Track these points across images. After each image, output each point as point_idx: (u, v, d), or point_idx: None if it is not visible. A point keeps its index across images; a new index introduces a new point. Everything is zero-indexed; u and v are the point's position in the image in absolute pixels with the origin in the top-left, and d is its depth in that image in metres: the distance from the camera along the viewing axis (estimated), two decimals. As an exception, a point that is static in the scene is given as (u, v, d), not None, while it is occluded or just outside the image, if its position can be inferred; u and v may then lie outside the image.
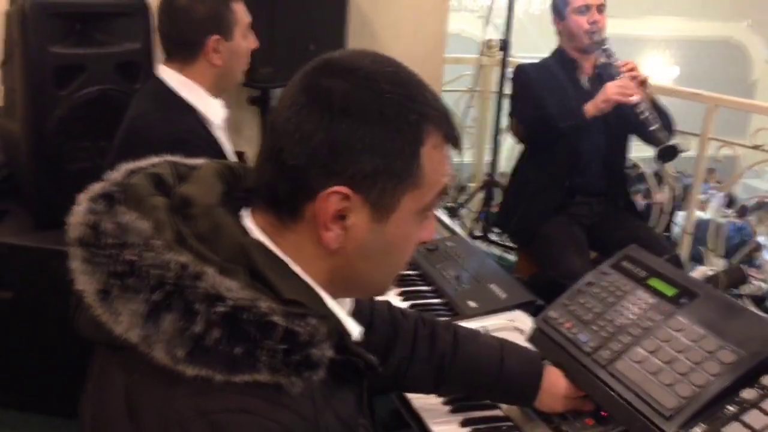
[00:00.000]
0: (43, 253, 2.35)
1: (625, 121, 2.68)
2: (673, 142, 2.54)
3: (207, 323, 0.74)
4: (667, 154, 2.57)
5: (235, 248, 0.80)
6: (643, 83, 2.62)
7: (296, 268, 0.85)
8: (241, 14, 1.90)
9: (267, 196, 0.85)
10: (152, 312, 0.75)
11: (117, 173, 0.87)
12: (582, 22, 2.70)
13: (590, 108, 2.61)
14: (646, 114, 2.56)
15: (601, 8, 2.72)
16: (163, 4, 1.88)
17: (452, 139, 0.87)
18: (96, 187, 0.85)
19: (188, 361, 0.73)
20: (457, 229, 2.43)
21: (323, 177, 0.80)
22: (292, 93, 0.83)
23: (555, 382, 1.37)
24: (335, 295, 0.90)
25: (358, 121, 0.79)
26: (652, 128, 2.55)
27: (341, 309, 0.91)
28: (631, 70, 2.64)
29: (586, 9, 2.70)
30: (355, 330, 0.91)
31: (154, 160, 0.92)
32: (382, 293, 0.98)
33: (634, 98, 2.56)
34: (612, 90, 2.57)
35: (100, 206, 0.81)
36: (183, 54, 1.87)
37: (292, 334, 0.76)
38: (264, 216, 0.86)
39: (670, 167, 3.68)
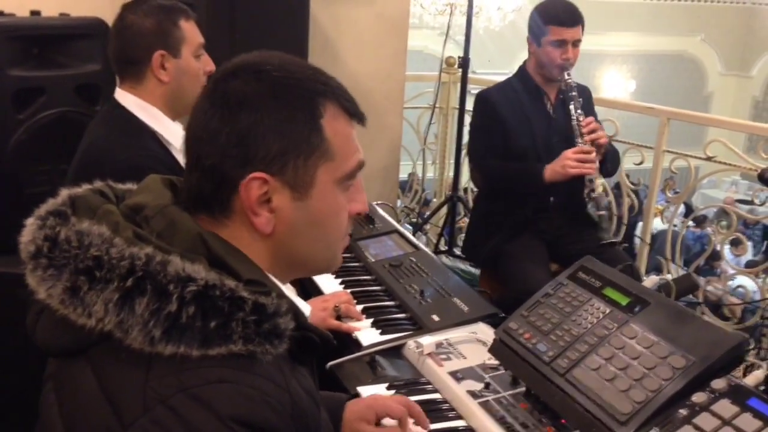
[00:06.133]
0: (3, 278, 2.32)
1: None
2: (614, 239, 2.65)
3: (181, 302, 0.78)
4: (607, 247, 2.67)
5: (193, 239, 0.85)
6: (601, 146, 2.67)
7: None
8: (191, 33, 1.90)
9: (197, 201, 0.90)
10: (125, 298, 0.78)
11: (59, 198, 0.90)
12: (555, 56, 2.71)
13: (548, 174, 2.66)
14: (597, 192, 2.63)
15: (576, 43, 2.73)
16: (112, 27, 1.90)
17: (350, 109, 0.94)
18: (42, 208, 0.88)
19: (165, 340, 0.77)
20: (422, 244, 2.45)
21: (238, 168, 0.86)
22: (198, 106, 0.90)
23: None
24: (282, 280, 0.96)
25: (255, 110, 0.87)
26: (599, 213, 2.63)
27: (290, 292, 0.97)
28: (592, 131, 2.66)
29: (561, 44, 2.70)
30: (306, 309, 0.96)
31: (97, 184, 0.96)
32: (329, 269, 1.03)
33: (589, 174, 2.62)
34: (570, 163, 2.61)
35: (52, 222, 0.84)
36: (132, 72, 1.88)
37: (260, 306, 0.82)
38: (200, 219, 0.90)
39: (627, 179, 3.76)
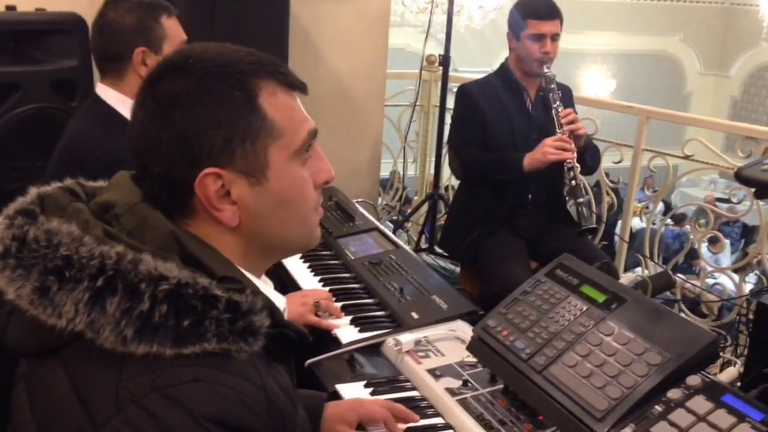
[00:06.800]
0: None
1: None
2: (592, 225, 2.64)
3: (153, 301, 0.77)
4: (586, 233, 2.69)
5: (166, 236, 0.84)
6: (579, 137, 2.68)
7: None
8: (173, 30, 1.90)
9: (157, 208, 0.88)
10: (96, 298, 0.77)
11: (27, 196, 0.88)
12: (534, 49, 2.73)
13: (527, 162, 2.67)
14: (576, 181, 2.64)
15: (555, 37, 2.75)
16: (94, 22, 1.89)
17: (286, 81, 0.91)
18: (10, 207, 0.86)
19: (138, 340, 0.76)
20: (402, 242, 2.45)
21: (188, 169, 0.85)
22: (133, 116, 0.88)
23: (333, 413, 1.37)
24: (261, 269, 0.95)
25: (188, 107, 0.84)
26: (579, 200, 2.63)
27: (266, 286, 0.95)
28: (571, 122, 2.68)
29: (540, 37, 2.72)
30: (281, 303, 0.94)
31: (67, 181, 0.94)
32: (309, 245, 1.00)
33: (569, 161, 2.63)
34: (549, 150, 2.62)
35: (20, 221, 0.83)
36: (113, 68, 1.88)
37: (234, 304, 0.81)
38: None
39: (606, 178, 3.78)
